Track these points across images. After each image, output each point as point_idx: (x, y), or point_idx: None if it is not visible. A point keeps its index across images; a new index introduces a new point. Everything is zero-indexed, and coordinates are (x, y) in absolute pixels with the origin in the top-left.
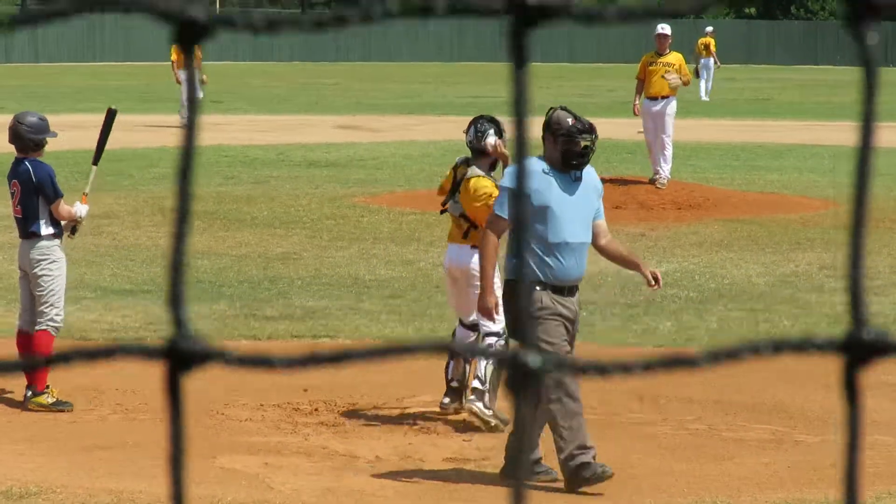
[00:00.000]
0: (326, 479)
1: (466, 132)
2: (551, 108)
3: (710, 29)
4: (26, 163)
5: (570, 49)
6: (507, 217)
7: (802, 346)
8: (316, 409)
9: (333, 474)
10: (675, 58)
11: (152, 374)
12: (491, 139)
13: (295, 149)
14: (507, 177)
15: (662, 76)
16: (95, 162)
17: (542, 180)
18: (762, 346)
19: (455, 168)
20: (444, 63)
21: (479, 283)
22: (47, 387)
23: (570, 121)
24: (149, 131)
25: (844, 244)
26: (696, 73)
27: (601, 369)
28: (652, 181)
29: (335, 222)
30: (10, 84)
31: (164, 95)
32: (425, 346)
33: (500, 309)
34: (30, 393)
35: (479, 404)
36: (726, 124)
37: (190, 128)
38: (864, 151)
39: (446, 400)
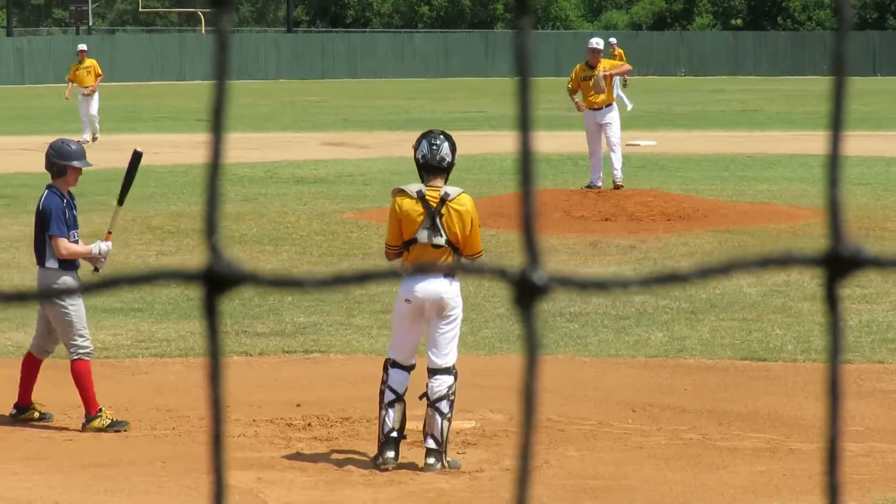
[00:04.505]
0: (321, 492)
1: (416, 147)
2: None
3: (613, 41)
4: (45, 189)
5: (556, 64)
6: None
7: (787, 261)
8: (309, 425)
9: (327, 488)
10: (601, 65)
11: (144, 392)
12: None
13: (282, 166)
14: None
15: (591, 87)
16: (120, 202)
17: None
18: (749, 262)
19: (422, 197)
20: (431, 79)
21: (452, 314)
22: (100, 410)
23: None
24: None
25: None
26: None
27: (602, 285)
28: (589, 187)
29: (324, 238)
30: None
31: (150, 115)
32: (441, 267)
33: (454, 343)
34: (85, 420)
35: (439, 465)
36: (715, 135)
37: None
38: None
39: (391, 454)
